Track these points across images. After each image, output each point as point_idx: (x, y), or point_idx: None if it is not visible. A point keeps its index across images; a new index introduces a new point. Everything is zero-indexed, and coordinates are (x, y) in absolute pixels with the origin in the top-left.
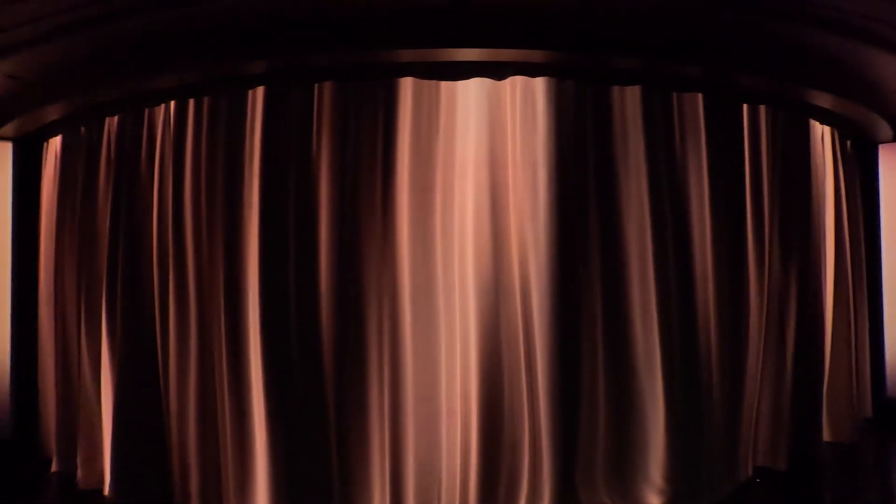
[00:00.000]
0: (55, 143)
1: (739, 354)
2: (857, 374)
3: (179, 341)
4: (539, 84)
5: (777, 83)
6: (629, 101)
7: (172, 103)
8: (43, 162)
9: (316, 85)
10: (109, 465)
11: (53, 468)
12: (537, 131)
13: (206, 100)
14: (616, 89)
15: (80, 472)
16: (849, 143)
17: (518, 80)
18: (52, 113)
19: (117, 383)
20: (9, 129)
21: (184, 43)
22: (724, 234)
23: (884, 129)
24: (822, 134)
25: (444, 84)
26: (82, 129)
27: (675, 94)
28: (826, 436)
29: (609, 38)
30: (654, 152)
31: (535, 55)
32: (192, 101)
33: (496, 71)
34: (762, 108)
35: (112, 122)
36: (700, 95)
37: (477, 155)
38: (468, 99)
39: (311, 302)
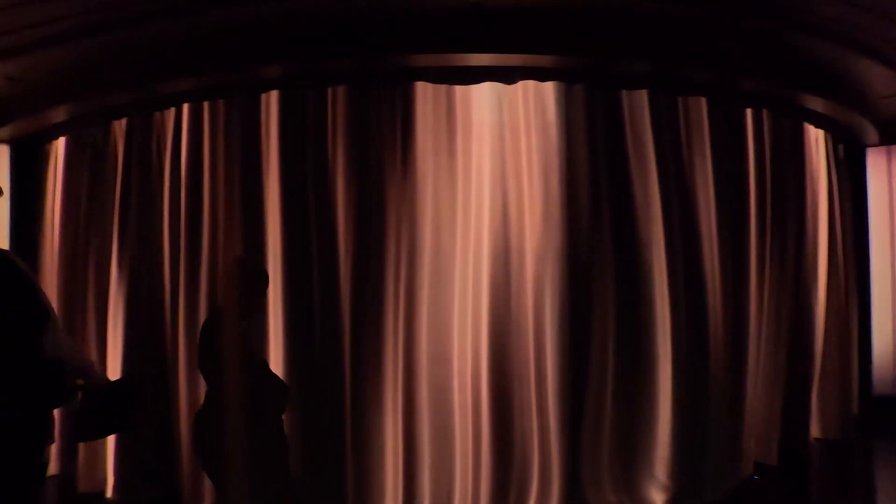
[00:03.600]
0: (57, 145)
1: (742, 353)
2: (846, 373)
3: (189, 340)
4: (549, 87)
5: (775, 87)
6: (637, 105)
7: (185, 106)
8: (47, 164)
9: (330, 88)
10: (114, 464)
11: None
12: (549, 133)
13: (220, 103)
14: (624, 93)
15: (80, 475)
16: (841, 146)
17: (529, 84)
18: (56, 115)
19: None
20: (5, 131)
21: (198, 48)
22: (729, 234)
23: (871, 133)
24: (815, 138)
25: (458, 87)
26: (88, 131)
27: (680, 98)
28: (815, 432)
29: (617, 42)
30: (663, 153)
31: (544, 60)
32: (206, 104)
33: (507, 75)
34: (764, 112)
35: (120, 125)
36: (704, 99)
37: (491, 158)
38: (482, 101)
39: (333, 302)
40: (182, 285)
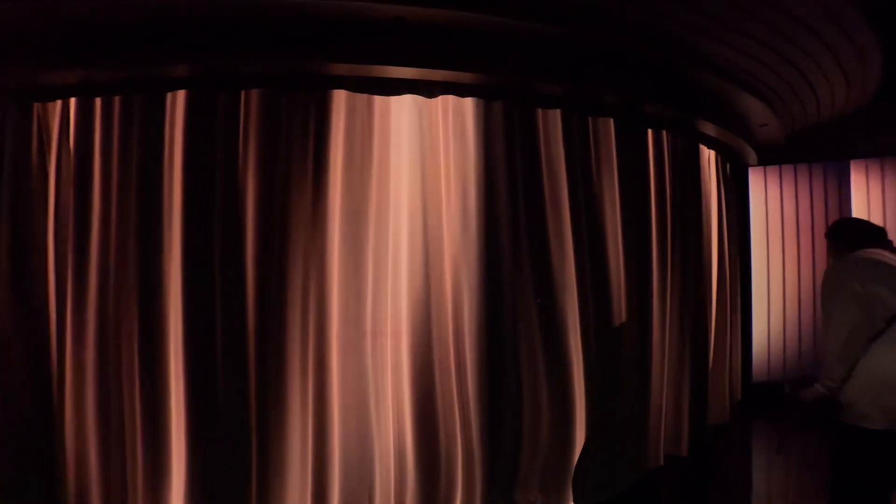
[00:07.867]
0: None
1: (647, 353)
2: (731, 365)
3: (77, 346)
4: (469, 103)
5: (674, 111)
6: (551, 123)
7: (73, 100)
8: None
9: (243, 91)
10: None
11: None
12: (467, 147)
13: (116, 99)
14: (540, 111)
15: None
16: (728, 165)
17: (449, 99)
18: None
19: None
20: None
21: (91, 37)
22: (634, 242)
23: (752, 155)
24: (708, 157)
25: (377, 98)
26: None
27: (590, 118)
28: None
29: (533, 65)
30: (573, 167)
31: (464, 76)
32: (98, 100)
33: (427, 89)
34: (664, 133)
35: None
36: (612, 120)
37: (410, 168)
38: (402, 112)
39: (238, 310)
40: (70, 284)
